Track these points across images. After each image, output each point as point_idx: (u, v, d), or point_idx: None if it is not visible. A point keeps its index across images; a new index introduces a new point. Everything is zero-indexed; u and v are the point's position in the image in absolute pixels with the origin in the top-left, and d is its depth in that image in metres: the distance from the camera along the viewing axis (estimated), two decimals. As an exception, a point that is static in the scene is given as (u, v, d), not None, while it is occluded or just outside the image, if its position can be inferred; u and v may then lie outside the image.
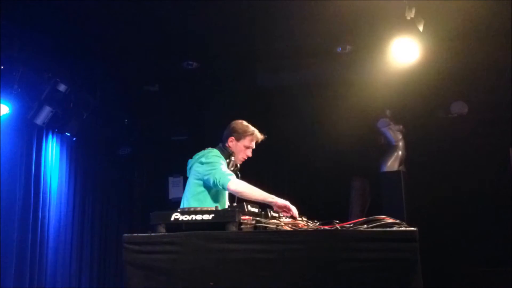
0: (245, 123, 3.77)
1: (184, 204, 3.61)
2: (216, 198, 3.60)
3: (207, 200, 3.54)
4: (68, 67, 5.69)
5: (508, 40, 5.18)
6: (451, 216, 6.74)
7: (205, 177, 3.48)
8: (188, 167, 3.72)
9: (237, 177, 3.59)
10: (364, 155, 7.09)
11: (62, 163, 6.42)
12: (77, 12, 4.80)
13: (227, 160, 3.64)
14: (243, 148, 3.70)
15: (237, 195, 3.42)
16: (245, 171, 3.83)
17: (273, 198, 3.28)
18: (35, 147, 5.91)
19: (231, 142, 3.69)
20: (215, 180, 3.38)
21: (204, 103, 6.85)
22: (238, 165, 3.72)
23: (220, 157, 3.57)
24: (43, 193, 6.00)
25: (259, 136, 3.74)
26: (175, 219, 2.36)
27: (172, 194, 7.62)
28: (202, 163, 3.52)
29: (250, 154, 3.74)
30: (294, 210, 3.26)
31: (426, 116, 6.92)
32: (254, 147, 3.74)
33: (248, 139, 3.70)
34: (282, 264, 2.18)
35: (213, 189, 3.54)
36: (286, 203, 3.26)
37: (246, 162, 3.85)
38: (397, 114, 7.08)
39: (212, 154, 3.57)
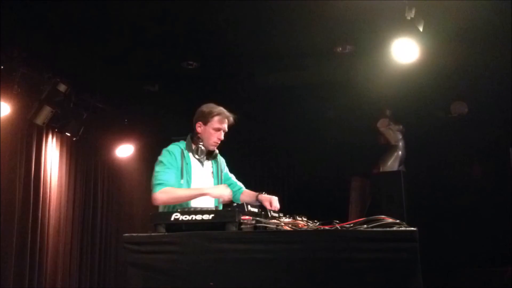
0: (211, 104, 3.48)
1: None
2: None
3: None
4: (68, 67, 5.69)
5: (508, 40, 5.18)
6: (451, 216, 6.74)
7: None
8: None
9: (215, 157, 3.46)
10: (364, 155, 7.09)
11: (62, 163, 6.42)
12: (77, 12, 4.80)
13: (194, 147, 3.40)
14: (213, 132, 3.40)
15: (168, 204, 3.23)
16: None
17: (207, 190, 3.16)
18: (35, 147, 5.91)
19: (199, 128, 3.42)
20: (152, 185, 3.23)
21: (204, 103, 6.84)
22: (215, 149, 3.48)
23: (170, 153, 3.32)
24: (43, 193, 6.00)
25: (227, 114, 3.43)
26: (175, 219, 2.36)
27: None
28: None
29: (222, 137, 3.43)
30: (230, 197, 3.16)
31: (426, 116, 6.93)
32: (225, 129, 3.44)
33: (216, 120, 3.40)
34: (282, 264, 2.18)
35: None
36: (223, 192, 3.12)
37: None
38: (397, 114, 7.08)
39: (164, 150, 3.37)
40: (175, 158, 3.32)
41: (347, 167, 7.18)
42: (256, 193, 3.51)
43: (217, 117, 3.41)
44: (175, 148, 3.38)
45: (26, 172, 5.77)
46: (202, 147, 3.40)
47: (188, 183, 3.32)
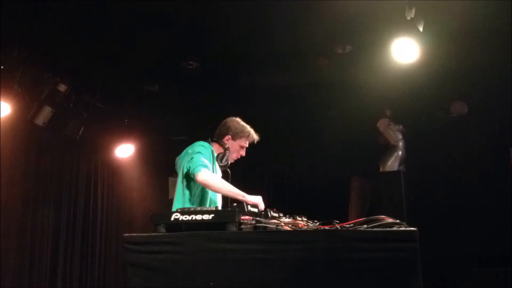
0: (241, 122, 3.69)
1: (174, 203, 3.50)
2: (204, 194, 3.48)
3: (194, 197, 3.44)
4: (68, 67, 5.69)
5: (508, 40, 5.18)
6: (451, 216, 6.74)
7: (185, 168, 3.38)
8: (178, 164, 3.58)
9: (227, 174, 3.57)
10: (364, 155, 7.09)
11: (62, 163, 6.42)
12: (77, 12, 4.80)
13: (221, 155, 3.56)
14: (238, 148, 3.63)
15: (205, 187, 3.35)
16: (244, 171, 3.81)
17: (243, 196, 3.16)
18: (35, 147, 5.91)
19: (227, 141, 3.61)
20: (189, 167, 3.30)
21: (204, 103, 6.85)
22: (229, 163, 3.63)
23: (206, 148, 3.47)
24: (43, 193, 6.00)
25: (255, 137, 3.67)
26: (175, 219, 2.36)
27: (172, 194, 7.57)
28: (187, 153, 3.44)
29: (244, 154, 3.67)
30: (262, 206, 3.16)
31: (426, 116, 6.92)
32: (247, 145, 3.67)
33: (244, 139, 3.63)
34: (282, 264, 2.18)
35: (200, 186, 3.41)
36: (257, 201, 3.11)
37: (245, 163, 3.82)
38: (397, 114, 7.08)
39: (199, 144, 3.48)
40: (210, 157, 3.47)
41: (347, 167, 7.17)
42: None
43: (246, 137, 3.62)
44: (209, 147, 3.52)
45: (26, 172, 5.77)
46: (227, 155, 3.58)
47: None
